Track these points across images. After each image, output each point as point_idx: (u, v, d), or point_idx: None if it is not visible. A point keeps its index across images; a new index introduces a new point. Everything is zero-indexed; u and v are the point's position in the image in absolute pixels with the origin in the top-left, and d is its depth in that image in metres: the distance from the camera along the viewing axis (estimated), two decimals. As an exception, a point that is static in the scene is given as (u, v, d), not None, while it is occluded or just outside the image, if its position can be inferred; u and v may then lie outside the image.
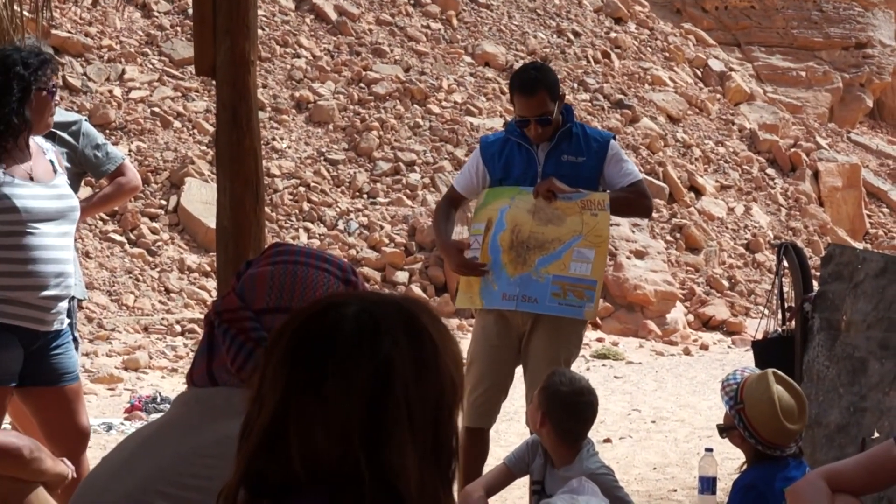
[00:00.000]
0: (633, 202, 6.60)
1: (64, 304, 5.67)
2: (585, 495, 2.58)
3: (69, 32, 22.87)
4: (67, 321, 5.81)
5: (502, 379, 6.48)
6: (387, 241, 21.24)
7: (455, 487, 2.17)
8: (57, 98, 5.84)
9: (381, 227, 21.60)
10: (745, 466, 5.41)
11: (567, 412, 5.53)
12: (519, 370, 6.58)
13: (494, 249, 6.44)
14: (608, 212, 6.44)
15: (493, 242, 6.48)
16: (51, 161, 5.74)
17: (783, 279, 8.27)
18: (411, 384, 2.04)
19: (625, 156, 6.75)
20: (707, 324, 23.07)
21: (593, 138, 6.69)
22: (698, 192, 27.60)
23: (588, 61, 30.64)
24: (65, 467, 5.19)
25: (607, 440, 10.66)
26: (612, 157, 6.62)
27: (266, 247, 2.89)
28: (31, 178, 5.53)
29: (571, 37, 31.27)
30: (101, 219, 18.95)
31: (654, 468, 9.71)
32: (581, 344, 6.73)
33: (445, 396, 2.11)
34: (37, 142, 5.69)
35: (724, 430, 5.41)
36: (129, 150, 19.46)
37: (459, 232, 8.30)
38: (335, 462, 1.99)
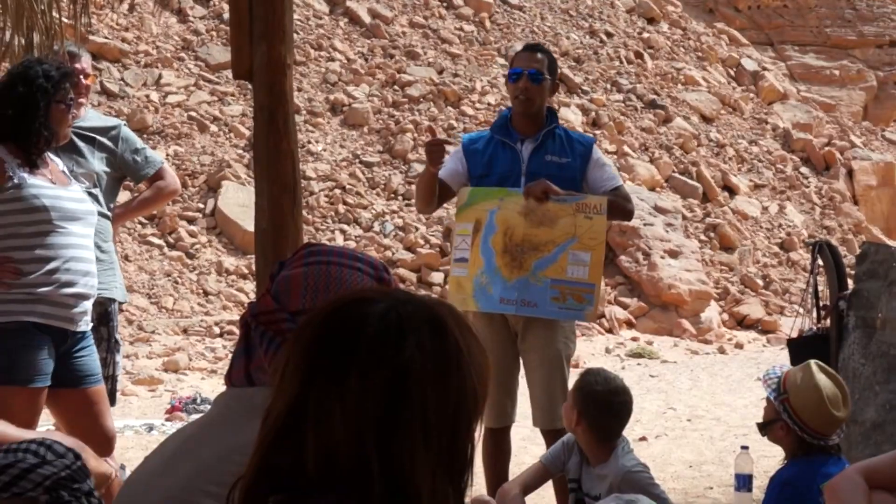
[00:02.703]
0: (621, 207, 6.61)
1: (89, 304, 5.71)
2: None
3: (106, 38, 22.95)
4: (98, 325, 5.85)
5: (507, 378, 6.48)
6: (422, 242, 21.24)
7: (470, 496, 2.17)
8: (83, 109, 5.88)
9: (417, 229, 21.60)
10: (784, 462, 5.40)
11: (602, 411, 5.53)
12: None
13: (486, 252, 6.42)
14: (605, 216, 6.45)
15: (483, 245, 6.46)
16: (63, 171, 5.80)
17: (818, 277, 8.24)
18: (430, 389, 2.05)
19: (606, 160, 6.78)
20: (741, 322, 23.00)
21: (577, 141, 6.72)
22: (732, 191, 27.53)
23: (621, 62, 30.61)
24: (108, 467, 5.22)
25: (643, 438, 10.64)
26: (595, 161, 6.65)
27: (300, 247, 2.90)
28: (52, 182, 5.59)
29: (604, 37, 31.25)
30: (140, 222, 19.02)
31: (690, 466, 9.69)
32: (575, 341, 6.74)
33: (465, 404, 2.11)
34: (49, 156, 5.75)
35: (764, 426, 5.39)
36: (167, 155, 19.50)
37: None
38: (348, 460, 2.00)
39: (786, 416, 5.19)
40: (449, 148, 6.59)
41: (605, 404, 5.54)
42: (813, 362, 5.39)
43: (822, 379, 5.18)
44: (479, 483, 6.23)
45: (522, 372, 6.55)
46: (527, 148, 6.58)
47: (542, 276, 6.34)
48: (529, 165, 6.51)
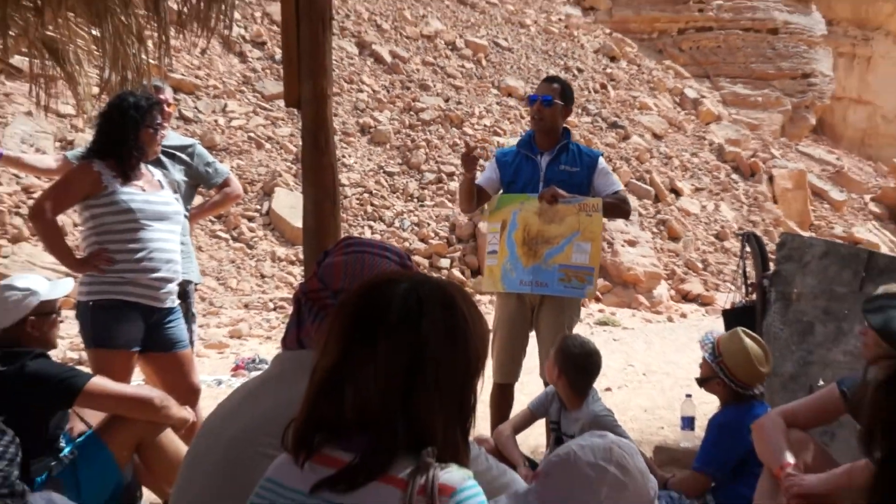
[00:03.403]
0: (618, 207, 6.62)
1: (173, 286, 5.72)
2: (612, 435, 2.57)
3: (183, 75, 22.93)
4: (180, 301, 5.87)
5: (520, 344, 6.52)
6: (433, 235, 21.21)
7: (472, 434, 2.21)
8: (164, 132, 5.90)
9: (429, 224, 21.57)
10: (719, 408, 5.41)
11: (578, 369, 5.59)
12: (532, 336, 6.62)
13: (510, 244, 6.47)
14: (601, 213, 6.46)
15: (508, 239, 6.51)
16: (158, 181, 5.81)
17: (746, 261, 8.25)
18: (443, 352, 2.08)
19: (610, 170, 6.79)
20: (685, 297, 22.99)
21: (586, 154, 6.71)
22: (677, 193, 27.52)
23: (589, 91, 30.69)
24: (187, 413, 5.24)
25: (608, 389, 10.62)
26: (600, 171, 6.64)
27: (340, 240, 2.90)
28: (143, 190, 5.60)
29: (576, 72, 31.23)
30: (211, 220, 19.05)
31: (645, 411, 9.70)
32: (580, 313, 6.75)
33: (471, 365, 2.15)
34: (148, 167, 5.76)
35: (702, 381, 5.41)
36: (231, 167, 19.47)
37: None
38: (377, 408, 2.03)
39: (721, 374, 5.21)
40: (483, 162, 6.67)
41: (579, 363, 5.59)
42: (740, 329, 5.42)
43: (749, 343, 5.20)
44: (485, 425, 6.27)
45: (532, 342, 6.58)
46: (544, 160, 6.59)
47: (552, 262, 6.38)
48: (546, 174, 6.53)
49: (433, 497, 1.93)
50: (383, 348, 2.06)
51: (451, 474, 1.98)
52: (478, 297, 16.44)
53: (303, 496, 2.02)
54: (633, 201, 24.64)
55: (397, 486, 1.96)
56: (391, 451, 2.00)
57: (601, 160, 6.73)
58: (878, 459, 1.58)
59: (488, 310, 13.15)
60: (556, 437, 5.78)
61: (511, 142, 23.99)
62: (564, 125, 6.73)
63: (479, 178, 6.70)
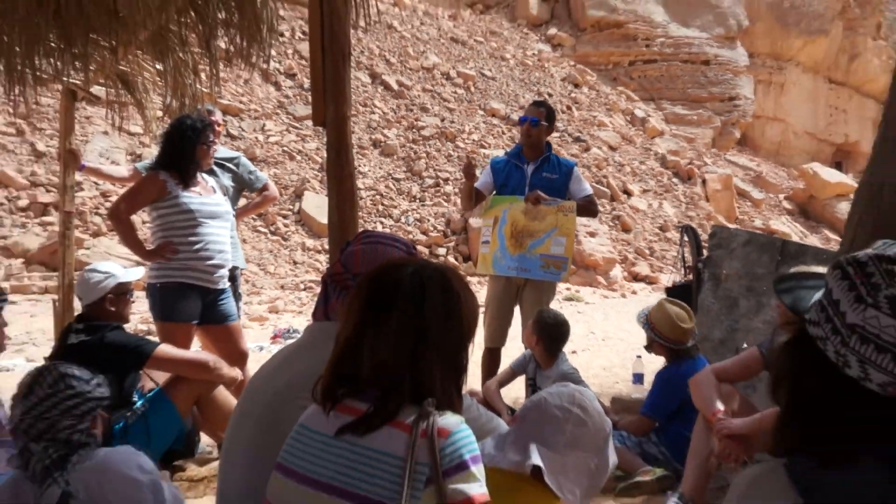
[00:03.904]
0: (588, 208, 6.61)
1: (224, 271, 5.73)
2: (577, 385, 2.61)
3: (229, 101, 22.90)
4: (230, 283, 5.89)
5: (506, 316, 6.54)
6: (432, 229, 21.20)
7: (465, 388, 2.20)
8: (215, 147, 5.91)
9: (428, 220, 21.56)
10: (664, 366, 5.43)
11: (551, 336, 5.65)
12: (516, 310, 6.64)
13: (500, 237, 6.50)
14: (575, 214, 6.49)
15: (499, 232, 6.53)
16: (212, 187, 5.83)
17: (684, 248, 8.25)
18: (441, 323, 2.10)
19: (582, 177, 6.78)
20: (636, 277, 23.00)
21: (564, 164, 6.72)
22: (629, 194, 27.51)
23: (557, 112, 30.58)
24: (236, 373, 5.27)
25: (574, 352, 10.61)
26: (575, 178, 6.65)
27: (358, 233, 2.91)
28: (199, 194, 5.62)
29: (546, 96, 31.15)
30: (253, 218, 19.03)
31: (604, 369, 9.70)
32: (555, 293, 6.76)
33: (463, 333, 2.16)
34: (203, 176, 5.78)
35: (648, 347, 5.43)
36: (269, 175, 19.47)
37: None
38: (389, 368, 2.05)
39: (656, 338, 5.24)
40: (478, 171, 6.68)
41: (552, 331, 5.66)
42: (663, 299, 5.52)
43: (670, 307, 5.25)
44: (476, 381, 6.29)
45: (516, 315, 6.60)
46: (530, 168, 6.59)
47: (535, 252, 6.41)
48: (531, 180, 6.53)
49: (433, 438, 1.94)
50: (393, 320, 2.08)
51: (448, 420, 1.99)
52: (469, 278, 16.47)
53: (329, 438, 2.04)
54: (594, 200, 24.74)
55: (404, 429, 1.98)
56: (399, 402, 2.02)
57: (576, 169, 6.75)
58: (783, 406, 1.60)
59: (478, 289, 13.18)
60: (533, 390, 5.81)
61: (496, 153, 24.11)
62: (547, 140, 6.75)
63: (477, 182, 6.73)
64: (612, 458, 2.67)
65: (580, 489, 2.60)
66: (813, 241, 29.68)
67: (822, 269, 3.91)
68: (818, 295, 1.60)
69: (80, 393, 2.82)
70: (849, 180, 33.81)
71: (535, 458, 2.45)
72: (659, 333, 5.28)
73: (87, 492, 2.67)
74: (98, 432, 2.87)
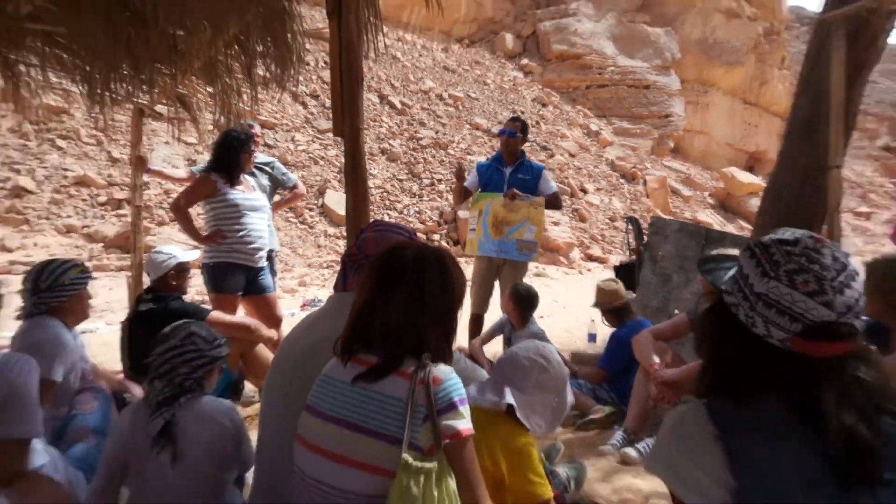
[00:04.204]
0: (554, 203, 6.60)
1: (263, 252, 5.73)
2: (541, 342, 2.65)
3: (266, 117, 22.79)
4: (267, 263, 5.89)
5: (488, 289, 6.54)
6: (428, 219, 21.14)
7: (455, 345, 2.21)
8: (255, 154, 5.90)
9: (426, 213, 21.50)
10: (614, 329, 5.46)
11: (524, 303, 5.68)
12: (496, 284, 6.64)
13: (484, 226, 6.49)
14: (543, 207, 6.49)
15: (483, 222, 6.53)
16: (253, 185, 5.83)
17: (629, 235, 8.28)
18: (436, 294, 2.11)
19: (549, 178, 6.77)
20: (590, 258, 22.98)
21: (534, 167, 6.70)
22: (585, 192, 27.47)
23: (529, 126, 30.61)
24: (273, 334, 5.27)
25: (541, 316, 10.59)
26: (543, 179, 6.64)
27: (370, 222, 2.91)
28: (243, 192, 5.62)
29: (520, 113, 31.03)
30: (285, 211, 18.96)
31: (566, 330, 9.68)
32: (527, 270, 6.76)
33: (454, 302, 2.17)
34: (245, 177, 5.78)
35: (603, 314, 5.49)
36: (298, 176, 19.41)
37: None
38: (394, 329, 2.06)
39: (600, 307, 5.36)
40: (466, 175, 6.66)
41: (525, 300, 5.69)
42: (605, 281, 5.64)
43: (601, 281, 5.45)
44: (464, 339, 6.30)
45: (496, 288, 6.61)
46: (508, 171, 6.58)
47: (511, 237, 6.41)
48: (509, 180, 6.53)
49: (429, 385, 1.96)
50: (398, 291, 2.09)
51: (441, 370, 2.00)
52: (458, 258, 16.46)
53: (346, 385, 2.05)
54: (557, 197, 24.74)
55: (406, 377, 1.99)
56: (402, 355, 2.03)
57: (544, 172, 6.74)
58: (704, 358, 1.62)
59: (466, 267, 13.15)
60: (509, 346, 5.84)
61: (480, 159, 24.07)
62: (521, 148, 6.74)
63: (466, 182, 6.72)
64: (570, 399, 2.69)
65: (545, 422, 2.63)
66: (730, 229, 29.72)
67: (735, 252, 3.92)
68: (732, 272, 1.62)
69: (200, 350, 2.91)
70: (758, 181, 33.90)
71: (509, 398, 2.47)
72: (600, 303, 5.36)
73: (184, 427, 2.74)
74: (209, 384, 2.95)
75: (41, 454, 2.57)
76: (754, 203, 31.06)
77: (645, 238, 7.47)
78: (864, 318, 1.52)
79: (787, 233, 1.57)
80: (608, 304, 5.43)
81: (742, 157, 42.72)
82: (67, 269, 3.52)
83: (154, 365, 2.85)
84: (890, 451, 1.41)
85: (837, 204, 5.37)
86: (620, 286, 5.52)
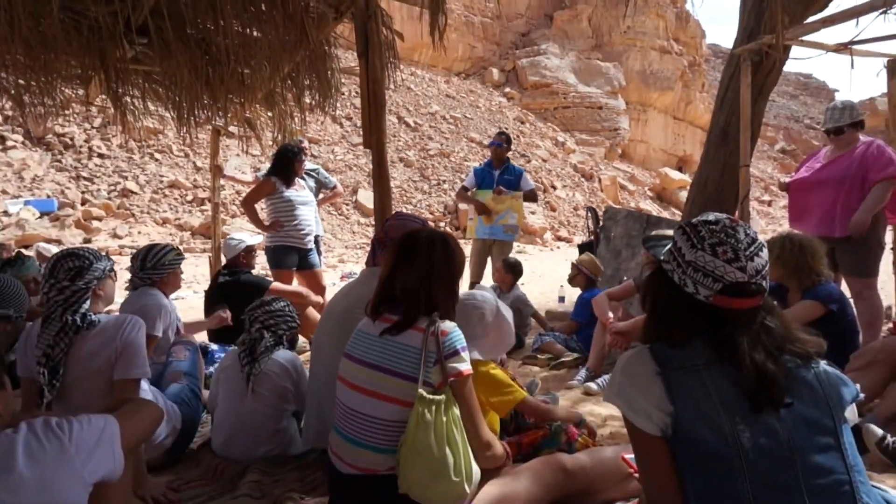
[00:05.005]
0: (531, 196, 6.54)
1: (311, 237, 5.67)
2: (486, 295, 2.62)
3: (312, 134, 22.76)
4: (315, 245, 5.87)
5: (483, 262, 6.50)
6: (436, 211, 21.15)
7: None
8: (304, 163, 5.85)
9: (434, 206, 21.52)
10: (581, 291, 5.42)
11: (514, 271, 5.62)
12: (489, 259, 6.62)
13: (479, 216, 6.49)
14: (522, 200, 6.44)
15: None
16: (303, 186, 5.78)
17: (588, 221, 8.23)
18: (443, 266, 2.07)
19: (528, 178, 6.70)
20: (559, 238, 23.00)
21: (517, 170, 6.63)
22: (555, 188, 27.42)
23: (512, 138, 30.45)
24: (320, 299, 5.22)
25: (522, 283, 10.58)
26: (524, 179, 6.56)
27: (392, 213, 2.90)
28: (296, 190, 5.58)
29: (505, 129, 30.88)
30: (327, 206, 18.97)
31: (541, 294, 9.68)
32: (512, 248, 6.70)
33: (456, 273, 2.13)
34: (297, 179, 5.71)
35: (571, 280, 5.43)
36: (337, 179, 19.40)
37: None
38: (412, 292, 2.02)
39: (583, 271, 5.27)
40: (463, 175, 6.63)
41: (514, 268, 5.64)
42: (586, 253, 5.47)
43: (592, 257, 5.27)
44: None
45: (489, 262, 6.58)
46: (497, 173, 6.51)
47: (499, 223, 6.37)
48: (497, 180, 6.46)
49: (437, 336, 1.94)
50: (414, 263, 2.06)
51: (447, 325, 1.98)
52: (460, 240, 16.46)
53: (375, 337, 2.03)
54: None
55: (420, 331, 1.97)
56: (417, 314, 2.01)
57: (525, 173, 6.67)
58: (648, 312, 1.61)
59: (465, 246, 13.16)
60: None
61: (474, 164, 24.03)
62: (506, 155, 6.67)
63: (466, 182, 6.66)
64: (509, 316, 2.59)
65: (499, 351, 2.65)
66: (665, 215, 29.62)
67: (670, 233, 3.89)
68: (668, 247, 1.61)
69: (291, 313, 3.06)
70: (687, 178, 33.74)
71: (475, 355, 2.42)
72: (586, 269, 5.28)
73: (267, 370, 2.84)
74: (286, 340, 3.07)
75: (147, 392, 2.59)
76: (683, 195, 30.91)
77: (601, 223, 7.43)
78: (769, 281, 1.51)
79: (711, 216, 1.57)
80: (594, 273, 5.35)
81: (673, 160, 42.48)
82: (167, 252, 3.54)
83: (260, 318, 2.97)
84: (790, 382, 1.40)
85: (746, 194, 5.34)
86: (599, 262, 5.48)
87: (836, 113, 4.59)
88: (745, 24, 6.29)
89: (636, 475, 2.06)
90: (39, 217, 14.95)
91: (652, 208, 31.07)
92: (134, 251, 3.82)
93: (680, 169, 40.59)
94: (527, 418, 2.61)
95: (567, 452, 2.37)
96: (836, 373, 1.46)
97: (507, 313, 2.56)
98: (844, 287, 4.44)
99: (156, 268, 3.47)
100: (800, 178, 4.74)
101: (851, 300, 3.90)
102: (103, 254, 2.59)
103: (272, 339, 2.93)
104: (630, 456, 2.14)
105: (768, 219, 35.70)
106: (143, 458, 2.44)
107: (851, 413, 1.44)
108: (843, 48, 4.95)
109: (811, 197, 4.61)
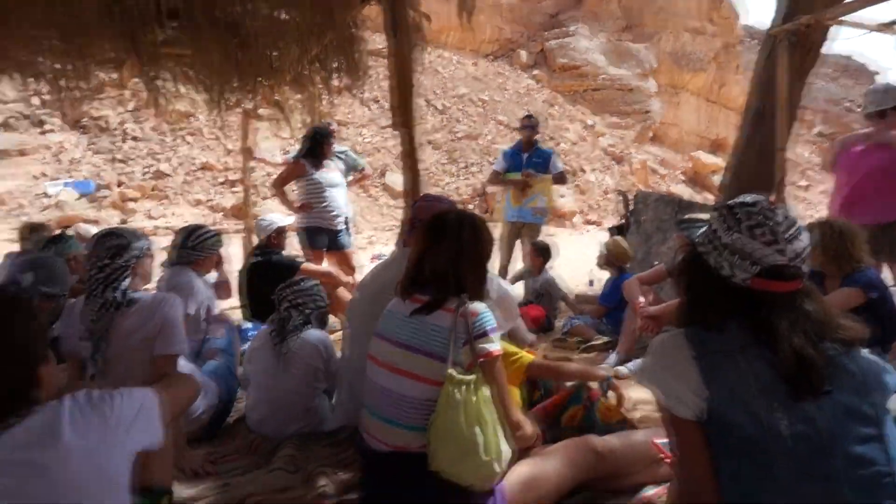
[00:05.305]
0: (560, 179, 6.52)
1: (342, 218, 5.71)
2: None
3: (341, 117, 22.81)
4: (345, 226, 5.89)
5: (512, 245, 6.48)
6: (464, 194, 21.13)
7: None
8: (333, 145, 5.86)
9: (462, 188, 21.50)
10: (610, 277, 5.37)
11: (544, 254, 5.62)
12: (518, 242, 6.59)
13: (507, 197, 6.48)
14: (551, 183, 6.40)
15: (507, 195, 6.50)
16: (333, 168, 5.79)
17: (620, 204, 8.14)
18: (472, 247, 2.07)
19: (557, 160, 6.64)
20: (590, 222, 22.86)
21: (546, 152, 6.60)
22: (584, 171, 27.20)
23: (540, 121, 30.28)
24: (350, 279, 5.29)
25: (551, 267, 10.50)
26: (553, 161, 6.54)
27: (422, 195, 2.89)
28: (325, 172, 5.59)
29: (533, 111, 30.66)
30: (356, 188, 19.01)
31: (570, 277, 9.53)
32: (541, 231, 6.68)
33: (485, 253, 2.13)
34: (326, 161, 5.73)
35: (600, 265, 5.39)
36: (366, 160, 19.42)
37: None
38: (441, 274, 2.02)
39: (610, 258, 5.20)
40: (492, 158, 6.65)
41: (545, 251, 5.66)
42: (615, 237, 5.41)
43: (619, 240, 5.21)
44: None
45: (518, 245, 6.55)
46: (526, 156, 6.49)
47: (528, 206, 6.36)
48: (526, 163, 6.43)
49: (467, 317, 1.94)
50: (443, 245, 2.06)
51: (476, 306, 1.98)
52: (489, 223, 16.45)
53: (405, 317, 2.04)
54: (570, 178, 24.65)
55: (450, 312, 1.97)
56: (447, 294, 2.01)
57: (554, 155, 6.65)
58: (682, 295, 1.58)
59: (495, 230, 13.13)
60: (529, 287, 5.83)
61: (503, 148, 23.92)
62: (535, 138, 6.61)
63: (496, 165, 6.64)
64: (512, 293, 2.72)
65: (510, 322, 2.69)
66: (698, 199, 29.20)
67: (704, 216, 3.82)
68: (703, 229, 1.58)
69: (319, 293, 3.12)
70: (720, 161, 33.04)
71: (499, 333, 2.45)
72: (614, 258, 5.22)
73: (297, 349, 2.92)
74: (314, 319, 3.12)
75: (185, 367, 2.65)
76: (716, 178, 30.35)
77: (631, 207, 7.35)
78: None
79: (748, 197, 1.53)
80: (620, 260, 5.29)
81: (706, 143, 41.68)
82: (211, 236, 3.62)
83: (289, 297, 3.02)
84: (830, 369, 1.36)
85: (782, 178, 5.22)
86: (629, 250, 5.41)
87: (879, 95, 4.45)
88: (782, 4, 6.11)
89: (667, 460, 2.04)
90: (78, 198, 15.26)
91: (684, 192, 30.59)
92: (169, 231, 3.88)
93: (713, 153, 39.87)
94: (544, 379, 2.71)
95: (589, 411, 2.40)
96: (879, 361, 1.41)
97: (507, 287, 2.62)
98: (885, 276, 4.34)
99: (195, 248, 3.54)
100: (847, 162, 4.61)
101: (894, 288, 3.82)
102: (141, 233, 2.63)
103: (300, 318, 2.98)
104: (661, 441, 2.12)
105: (805, 204, 34.90)
106: (182, 432, 2.50)
107: (895, 403, 1.41)
108: (887, 28, 4.79)
109: (859, 182, 4.48)
